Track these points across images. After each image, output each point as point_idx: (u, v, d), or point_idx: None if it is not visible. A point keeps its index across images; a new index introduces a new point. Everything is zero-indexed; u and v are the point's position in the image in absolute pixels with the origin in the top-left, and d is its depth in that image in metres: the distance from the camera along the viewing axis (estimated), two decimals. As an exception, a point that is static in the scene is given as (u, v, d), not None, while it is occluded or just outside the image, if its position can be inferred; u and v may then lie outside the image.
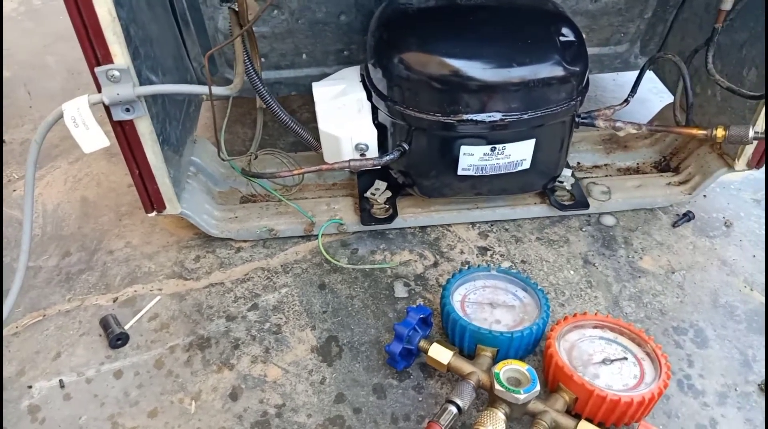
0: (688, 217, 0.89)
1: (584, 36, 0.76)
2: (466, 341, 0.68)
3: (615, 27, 0.98)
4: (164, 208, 0.76)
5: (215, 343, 0.73)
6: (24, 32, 1.51)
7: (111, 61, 0.62)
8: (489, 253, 0.85)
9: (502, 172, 0.80)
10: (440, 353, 0.65)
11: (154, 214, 0.77)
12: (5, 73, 1.33)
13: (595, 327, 0.67)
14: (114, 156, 1.04)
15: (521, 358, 0.68)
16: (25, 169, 0.71)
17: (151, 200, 0.75)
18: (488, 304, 0.71)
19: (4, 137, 1.13)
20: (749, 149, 0.81)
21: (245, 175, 0.83)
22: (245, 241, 0.86)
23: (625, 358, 0.64)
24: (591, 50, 0.97)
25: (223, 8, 0.87)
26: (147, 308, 0.77)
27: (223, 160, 0.82)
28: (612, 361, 0.63)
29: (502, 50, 0.72)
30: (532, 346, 0.69)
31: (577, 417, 0.60)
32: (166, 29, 0.83)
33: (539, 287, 0.71)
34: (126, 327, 0.74)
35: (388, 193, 0.89)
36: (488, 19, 0.74)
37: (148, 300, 0.78)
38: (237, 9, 0.69)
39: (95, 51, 0.61)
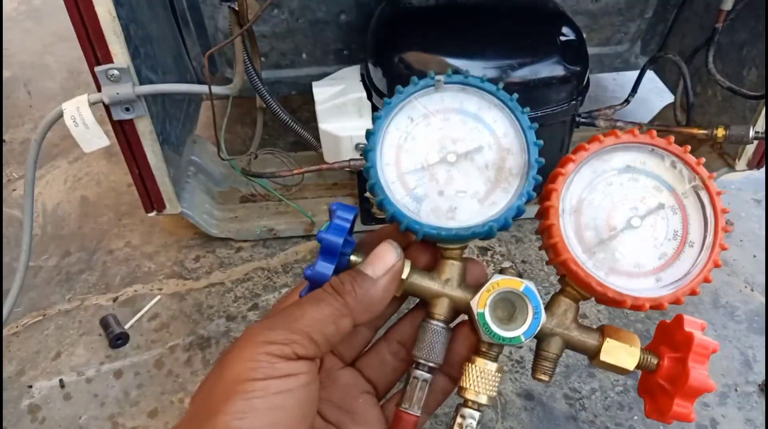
0: (688, 216, 0.89)
1: (585, 35, 0.76)
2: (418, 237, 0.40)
3: (615, 26, 0.98)
4: (164, 207, 0.76)
5: (215, 343, 0.73)
6: (24, 32, 1.51)
7: (111, 61, 0.62)
8: (489, 252, 0.85)
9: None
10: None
11: (154, 213, 0.77)
12: (5, 73, 1.33)
13: (613, 150, 0.39)
14: (114, 155, 1.04)
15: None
16: (25, 168, 0.70)
17: (151, 200, 0.75)
18: (442, 163, 0.39)
19: (4, 137, 1.13)
20: (750, 149, 0.81)
21: (245, 174, 0.83)
22: (245, 240, 0.86)
23: (662, 207, 0.39)
24: (591, 50, 0.97)
25: (223, 7, 0.87)
26: (147, 308, 0.77)
27: (223, 159, 0.82)
28: (643, 217, 0.38)
29: (503, 49, 0.72)
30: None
31: (600, 329, 0.40)
32: (166, 29, 0.82)
33: (521, 109, 0.41)
34: (126, 327, 0.74)
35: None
36: (488, 18, 0.74)
37: (148, 300, 0.78)
38: (237, 8, 0.69)
39: (95, 50, 0.61)
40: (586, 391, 0.67)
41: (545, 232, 0.38)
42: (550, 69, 0.71)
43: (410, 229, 0.37)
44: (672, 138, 0.39)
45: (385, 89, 0.76)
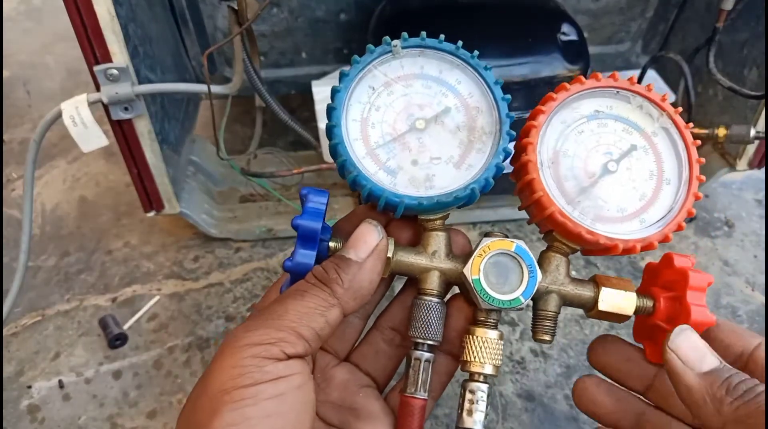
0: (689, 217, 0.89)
1: (586, 34, 0.76)
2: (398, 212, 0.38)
3: (616, 26, 0.98)
4: (163, 207, 0.76)
5: (214, 343, 0.73)
6: (24, 32, 1.51)
7: (110, 60, 0.61)
8: (489, 252, 0.84)
9: (504, 171, 0.79)
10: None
11: (152, 213, 0.76)
12: (4, 73, 1.32)
13: (575, 99, 0.39)
14: (113, 155, 1.04)
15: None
16: (24, 168, 0.70)
17: (150, 200, 0.75)
18: (412, 131, 0.37)
19: (4, 137, 1.13)
20: (750, 149, 0.80)
21: (244, 174, 0.82)
22: (244, 241, 0.86)
23: (634, 148, 0.38)
24: (592, 49, 0.96)
25: (222, 6, 0.87)
26: (146, 308, 0.77)
27: (223, 159, 0.81)
28: (618, 160, 0.38)
29: (503, 49, 0.71)
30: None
31: (592, 280, 0.39)
32: (165, 28, 0.82)
33: (483, 65, 0.39)
34: (125, 327, 0.74)
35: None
36: (489, 17, 0.74)
37: (147, 300, 0.78)
38: (236, 7, 0.69)
39: (94, 50, 0.60)
40: (586, 391, 0.67)
41: (526, 188, 0.37)
42: (551, 68, 0.71)
43: (389, 203, 0.36)
44: (635, 77, 0.39)
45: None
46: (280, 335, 0.31)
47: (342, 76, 0.38)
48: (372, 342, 0.41)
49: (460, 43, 0.38)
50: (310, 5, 0.88)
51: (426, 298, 0.38)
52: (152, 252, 0.85)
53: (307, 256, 0.35)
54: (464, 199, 0.37)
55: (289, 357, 0.31)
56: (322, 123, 0.81)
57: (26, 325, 0.76)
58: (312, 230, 0.35)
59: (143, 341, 0.73)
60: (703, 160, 0.38)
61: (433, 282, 0.38)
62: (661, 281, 0.39)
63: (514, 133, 0.37)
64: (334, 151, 0.37)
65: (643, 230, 0.37)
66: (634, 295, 0.38)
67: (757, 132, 0.75)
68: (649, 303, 0.38)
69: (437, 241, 0.38)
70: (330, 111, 0.37)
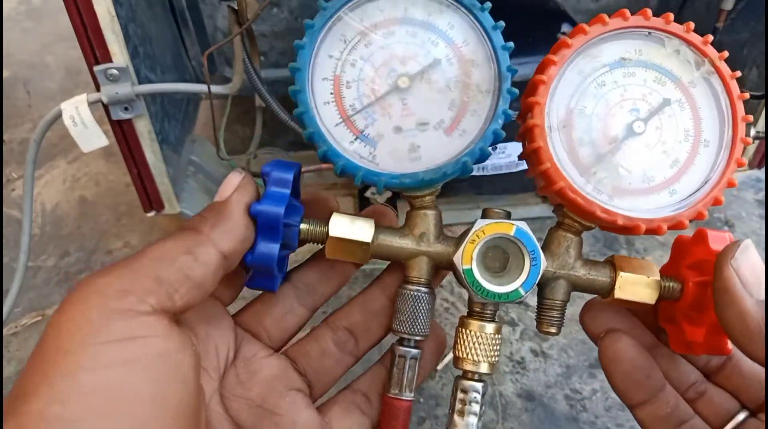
0: (689, 216, 0.89)
1: (585, 35, 0.76)
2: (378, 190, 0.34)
3: (616, 26, 0.98)
4: (163, 207, 0.76)
5: (214, 343, 0.72)
6: (24, 32, 1.51)
7: (110, 60, 0.61)
8: (489, 252, 0.84)
9: (503, 171, 0.79)
10: (354, 230, 0.33)
11: (152, 213, 0.76)
12: (4, 73, 1.32)
13: (595, 44, 0.32)
14: (113, 155, 1.04)
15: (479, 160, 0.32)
16: (24, 168, 0.70)
17: (150, 200, 0.75)
18: (394, 92, 0.31)
19: (4, 137, 1.13)
20: (750, 149, 0.80)
21: (245, 174, 0.82)
22: (245, 240, 0.86)
23: (667, 103, 0.31)
24: (592, 49, 0.97)
25: (222, 6, 0.87)
26: (146, 308, 0.77)
27: (223, 159, 0.81)
28: (646, 119, 0.31)
29: (503, 49, 0.71)
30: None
31: (609, 262, 0.34)
32: (165, 28, 0.82)
33: (479, 5, 0.32)
34: (125, 327, 0.74)
35: (389, 193, 0.89)
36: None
37: (147, 300, 0.78)
38: (236, 7, 0.69)
39: (94, 50, 0.60)
40: (587, 391, 0.67)
41: (531, 156, 0.31)
42: (550, 68, 0.71)
43: (366, 181, 0.31)
44: (670, 15, 0.32)
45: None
46: (135, 280, 0.24)
47: (307, 28, 0.32)
48: (319, 339, 0.35)
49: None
50: (310, 5, 0.88)
51: (412, 287, 0.32)
52: (152, 252, 0.85)
53: (268, 247, 0.30)
54: (455, 174, 0.31)
55: (150, 312, 0.24)
56: (322, 123, 0.81)
57: (26, 325, 0.76)
58: (273, 216, 0.29)
59: (143, 341, 0.73)
60: (750, 117, 0.32)
61: (421, 269, 0.32)
62: (691, 260, 0.33)
63: (516, 91, 0.31)
64: (300, 119, 0.31)
65: (672, 205, 0.31)
66: (657, 280, 0.33)
67: (757, 132, 0.75)
68: (676, 286, 0.33)
69: (425, 221, 0.33)
70: (294, 72, 0.31)
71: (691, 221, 0.31)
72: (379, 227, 0.33)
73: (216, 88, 0.69)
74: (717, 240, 0.32)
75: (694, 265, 0.33)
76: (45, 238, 0.89)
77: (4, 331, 0.74)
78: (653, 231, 0.30)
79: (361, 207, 0.87)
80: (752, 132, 0.75)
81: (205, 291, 0.27)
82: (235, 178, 0.31)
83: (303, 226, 0.32)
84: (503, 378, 0.68)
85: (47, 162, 1.05)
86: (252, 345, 0.34)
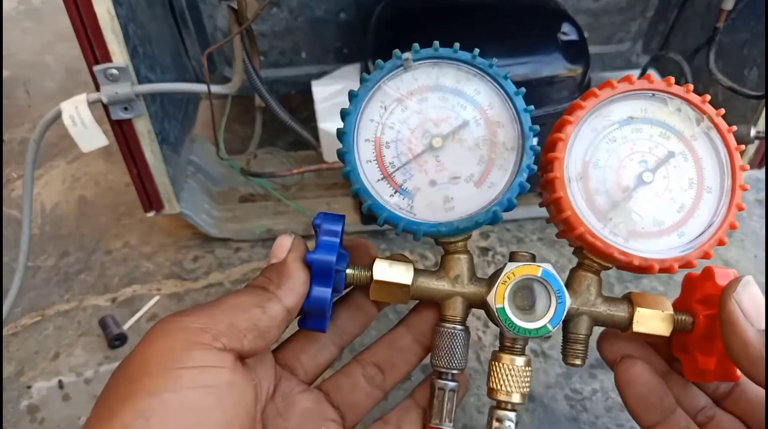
0: (689, 216, 0.89)
1: (586, 34, 0.76)
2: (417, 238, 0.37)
3: (617, 25, 0.98)
4: (162, 207, 0.76)
5: (214, 343, 0.72)
6: (24, 32, 1.51)
7: (109, 60, 0.61)
8: (490, 253, 0.84)
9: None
10: (395, 273, 0.36)
11: (152, 213, 0.76)
12: (4, 73, 1.32)
13: (605, 105, 0.36)
14: (112, 155, 1.04)
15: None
16: (23, 168, 0.70)
17: (150, 200, 0.75)
18: (428, 150, 0.35)
19: (4, 136, 1.13)
20: (751, 149, 0.80)
21: (244, 174, 0.82)
22: (244, 241, 0.86)
23: (672, 155, 0.36)
24: (592, 49, 0.96)
25: (221, 6, 0.87)
26: (145, 309, 0.77)
27: (222, 159, 0.81)
28: (654, 169, 0.35)
29: (503, 48, 0.71)
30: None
31: (626, 298, 0.38)
32: (165, 27, 0.82)
33: (503, 74, 0.37)
34: (125, 327, 0.74)
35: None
36: (489, 17, 0.74)
37: (147, 300, 0.78)
38: (236, 7, 0.69)
39: (94, 50, 0.60)
40: (587, 392, 0.67)
41: (553, 205, 0.35)
42: (551, 68, 0.71)
43: (407, 230, 0.35)
44: (672, 79, 0.36)
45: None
46: (212, 322, 0.29)
47: (351, 97, 0.36)
48: (350, 374, 0.39)
49: (476, 51, 0.36)
50: (310, 5, 0.88)
51: (449, 325, 0.36)
52: (152, 252, 0.85)
53: (323, 292, 0.34)
54: (486, 222, 0.35)
55: (222, 349, 0.28)
56: (322, 123, 0.81)
57: (26, 325, 0.76)
58: (326, 264, 0.34)
59: (143, 341, 0.73)
60: (747, 166, 0.35)
61: (456, 308, 0.36)
62: (701, 295, 0.37)
63: (538, 148, 0.35)
64: (347, 176, 0.35)
65: (681, 246, 0.34)
66: (671, 314, 0.36)
67: (758, 132, 0.75)
68: (688, 320, 0.36)
69: (459, 264, 0.37)
70: (340, 136, 0.35)
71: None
72: (417, 270, 0.37)
73: (216, 88, 0.69)
74: (723, 276, 0.35)
75: (704, 299, 0.37)
76: (45, 238, 0.89)
77: (4, 331, 0.74)
78: (666, 270, 0.34)
79: (362, 206, 0.87)
80: (752, 132, 0.75)
81: (269, 340, 0.31)
82: (286, 241, 0.35)
83: (349, 271, 0.37)
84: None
85: (47, 162, 1.05)
86: (289, 380, 0.37)
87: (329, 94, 0.82)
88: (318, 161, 0.82)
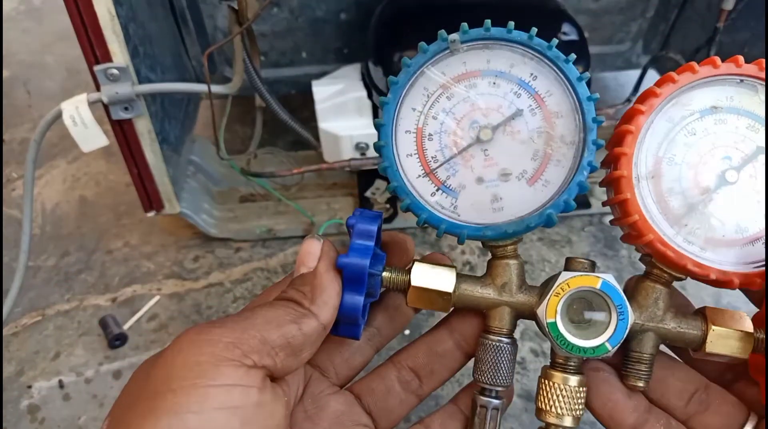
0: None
1: (586, 34, 0.76)
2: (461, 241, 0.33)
3: (617, 26, 0.98)
4: (163, 207, 0.76)
5: (215, 343, 0.72)
6: (24, 32, 1.51)
7: (110, 60, 0.61)
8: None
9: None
10: (435, 279, 0.32)
11: (152, 213, 0.76)
12: (5, 73, 1.32)
13: (684, 91, 0.31)
14: (113, 155, 1.04)
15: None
16: (24, 168, 0.70)
17: (150, 200, 0.75)
18: (476, 147, 0.31)
19: (4, 136, 1.13)
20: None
21: (245, 174, 0.82)
22: (244, 240, 0.86)
23: (761, 151, 0.31)
24: (593, 49, 0.96)
25: (222, 6, 0.87)
26: (146, 308, 0.77)
27: (223, 159, 0.81)
28: (739, 167, 0.30)
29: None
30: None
31: (700, 313, 0.33)
32: (165, 27, 0.82)
33: (564, 57, 0.32)
34: (125, 327, 0.74)
35: (388, 194, 0.89)
36: (489, 17, 0.74)
37: (147, 300, 0.78)
38: (236, 7, 0.69)
39: (94, 50, 0.60)
40: (587, 391, 0.67)
41: (618, 207, 0.31)
42: (551, 68, 0.71)
43: (449, 233, 0.31)
44: (764, 61, 0.31)
45: (386, 88, 0.76)
46: (244, 337, 0.26)
47: (391, 84, 0.31)
48: (385, 377, 0.36)
49: (534, 30, 0.31)
50: (311, 5, 0.88)
51: (494, 337, 0.32)
52: (152, 252, 0.85)
53: (355, 299, 0.31)
54: (539, 225, 0.30)
55: (252, 366, 0.26)
56: (322, 123, 0.81)
57: (26, 325, 0.76)
58: (359, 270, 0.30)
59: (143, 341, 0.73)
60: None
61: (503, 319, 0.32)
62: None
63: (602, 142, 0.31)
64: (384, 172, 0.31)
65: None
66: (750, 335, 0.31)
67: None
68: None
69: (507, 271, 0.32)
70: (378, 127, 0.31)
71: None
72: (461, 276, 0.33)
73: (216, 88, 0.69)
74: None
75: None
76: (45, 238, 0.89)
77: (4, 331, 0.74)
78: (747, 284, 0.30)
79: (362, 207, 0.87)
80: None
81: (302, 360, 0.29)
82: (314, 247, 0.31)
83: (385, 274, 0.32)
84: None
85: (47, 162, 1.05)
86: (320, 381, 0.34)
87: (329, 94, 0.82)
88: (318, 161, 0.82)
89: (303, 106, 1.16)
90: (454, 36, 0.31)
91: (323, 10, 0.89)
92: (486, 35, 0.32)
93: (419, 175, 0.31)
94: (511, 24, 0.32)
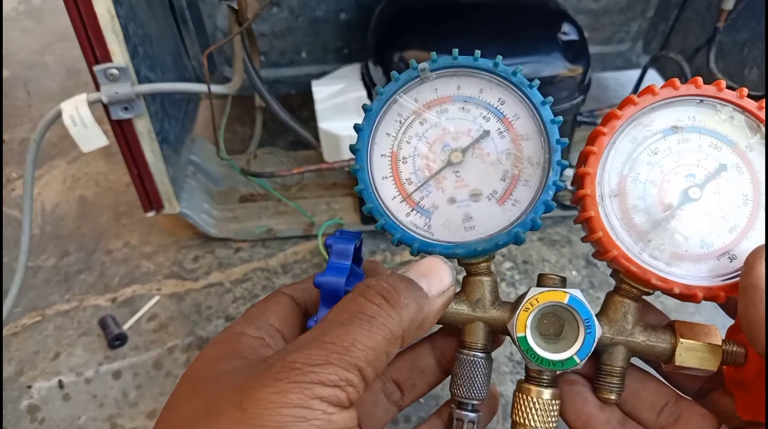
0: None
1: (586, 34, 0.76)
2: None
3: (617, 25, 0.98)
4: (163, 207, 0.76)
5: (214, 343, 0.72)
6: (24, 32, 1.51)
7: (110, 60, 0.61)
8: (490, 252, 0.84)
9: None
10: None
11: (152, 213, 0.76)
12: (4, 73, 1.32)
13: (646, 113, 0.32)
14: (113, 155, 1.04)
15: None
16: (24, 168, 0.70)
17: (150, 200, 0.75)
18: (447, 169, 0.33)
19: (4, 136, 1.13)
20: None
21: (244, 174, 0.82)
22: (244, 241, 0.86)
23: (724, 168, 0.32)
24: (593, 49, 0.96)
25: (222, 6, 0.87)
26: (146, 309, 0.77)
27: (223, 159, 0.81)
28: (702, 184, 0.31)
29: (503, 48, 0.71)
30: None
31: (669, 327, 0.34)
32: (165, 27, 0.82)
33: (528, 83, 0.33)
34: (125, 327, 0.74)
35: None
36: (489, 17, 0.74)
37: (147, 300, 0.78)
38: (236, 7, 0.69)
39: (94, 49, 0.60)
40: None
41: (584, 225, 0.32)
42: (551, 68, 0.71)
43: (422, 251, 0.32)
44: (722, 83, 0.32)
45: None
46: (350, 377, 0.24)
47: (366, 111, 0.33)
48: (372, 390, 0.36)
49: (499, 58, 0.33)
50: (311, 5, 0.88)
51: (469, 352, 0.33)
52: (152, 252, 0.85)
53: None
54: (508, 243, 0.32)
55: (350, 405, 0.25)
56: (322, 123, 0.81)
57: (26, 325, 0.76)
58: (335, 287, 0.32)
59: (143, 341, 0.73)
60: None
61: (477, 334, 0.33)
62: None
63: (566, 162, 0.32)
64: (360, 194, 0.33)
65: (732, 272, 0.31)
66: (719, 346, 0.32)
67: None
68: (740, 351, 0.32)
69: (480, 287, 0.33)
70: (354, 152, 0.33)
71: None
72: None
73: (216, 88, 0.69)
74: None
75: None
76: (45, 238, 0.89)
77: (4, 331, 0.74)
78: (711, 298, 0.31)
79: (362, 206, 0.87)
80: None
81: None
82: (446, 276, 0.30)
83: None
84: (503, 378, 0.68)
85: (47, 162, 1.05)
86: None
87: (329, 94, 0.82)
88: (318, 161, 0.82)
89: (303, 106, 1.16)
90: (424, 65, 0.33)
91: (323, 10, 0.89)
92: (454, 63, 0.33)
93: (394, 197, 0.33)
94: (478, 53, 0.33)
